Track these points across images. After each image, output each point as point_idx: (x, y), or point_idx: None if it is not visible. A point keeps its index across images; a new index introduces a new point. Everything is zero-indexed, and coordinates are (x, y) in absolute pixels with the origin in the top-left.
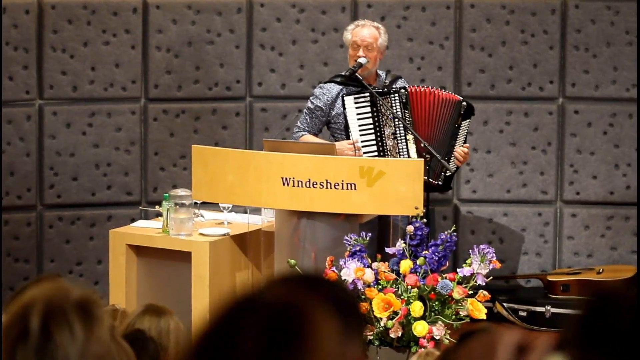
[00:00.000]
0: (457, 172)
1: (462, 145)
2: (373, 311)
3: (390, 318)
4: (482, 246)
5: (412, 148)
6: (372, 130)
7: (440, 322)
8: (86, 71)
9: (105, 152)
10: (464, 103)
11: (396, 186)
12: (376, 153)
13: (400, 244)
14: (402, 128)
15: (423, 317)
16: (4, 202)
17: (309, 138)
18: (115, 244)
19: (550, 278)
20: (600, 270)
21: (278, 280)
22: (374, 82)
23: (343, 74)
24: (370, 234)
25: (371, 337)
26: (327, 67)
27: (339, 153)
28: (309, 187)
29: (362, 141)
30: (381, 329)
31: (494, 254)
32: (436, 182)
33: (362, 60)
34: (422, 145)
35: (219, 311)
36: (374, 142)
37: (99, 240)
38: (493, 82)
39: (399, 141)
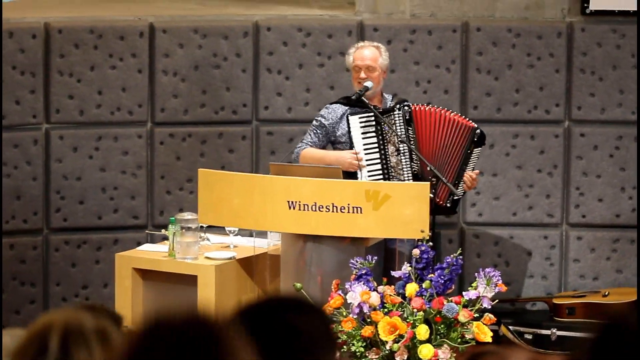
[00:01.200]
0: (463, 196)
1: (469, 171)
2: (379, 335)
3: (396, 341)
4: (487, 269)
5: (416, 165)
6: (377, 149)
7: (446, 346)
8: (93, 95)
9: (111, 176)
10: (478, 131)
11: (402, 210)
12: (380, 171)
13: (406, 268)
14: (405, 145)
15: (429, 341)
16: (10, 225)
17: (312, 150)
18: (121, 268)
19: (556, 301)
20: (606, 293)
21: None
22: (380, 103)
23: (350, 96)
24: (376, 257)
25: None
26: (334, 90)
27: (340, 160)
28: (315, 210)
29: (366, 160)
30: (387, 352)
31: (500, 277)
32: (444, 204)
33: (367, 84)
34: (429, 168)
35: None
36: (378, 160)
37: (105, 263)
38: (499, 105)
39: (403, 158)
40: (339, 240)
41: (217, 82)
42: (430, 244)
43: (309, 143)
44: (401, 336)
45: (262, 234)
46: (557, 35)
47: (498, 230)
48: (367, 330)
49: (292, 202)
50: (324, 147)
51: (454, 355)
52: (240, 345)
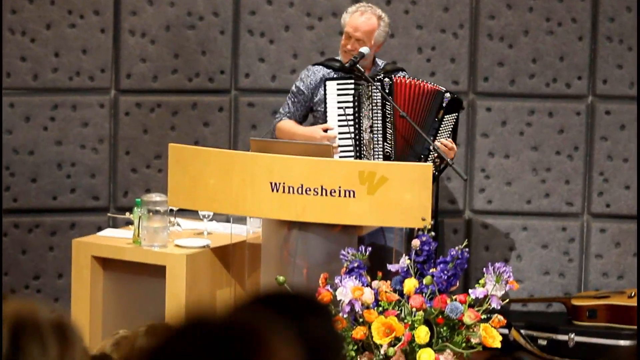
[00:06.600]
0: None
1: (442, 139)
2: (372, 337)
3: (391, 345)
4: (497, 264)
5: (389, 146)
6: (352, 122)
7: (448, 351)
8: (49, 57)
9: (69, 150)
10: (447, 94)
11: (401, 194)
12: (352, 147)
13: (405, 261)
14: (380, 121)
15: (429, 345)
16: None
17: (287, 124)
18: (78, 256)
19: (574, 302)
20: (632, 294)
21: (246, 301)
22: (369, 71)
23: (336, 58)
24: (370, 249)
25: None
26: (324, 56)
27: (309, 138)
28: (302, 193)
29: (339, 132)
30: (381, 357)
31: (511, 274)
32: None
33: (364, 49)
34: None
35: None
36: (352, 134)
37: (60, 251)
38: (513, 77)
39: (375, 135)
40: (329, 228)
41: (192, 45)
42: (432, 234)
43: (287, 114)
44: (398, 339)
45: (241, 220)
46: None
47: (510, 219)
48: (358, 332)
49: (276, 184)
50: (304, 116)
51: None
52: (286, 354)
